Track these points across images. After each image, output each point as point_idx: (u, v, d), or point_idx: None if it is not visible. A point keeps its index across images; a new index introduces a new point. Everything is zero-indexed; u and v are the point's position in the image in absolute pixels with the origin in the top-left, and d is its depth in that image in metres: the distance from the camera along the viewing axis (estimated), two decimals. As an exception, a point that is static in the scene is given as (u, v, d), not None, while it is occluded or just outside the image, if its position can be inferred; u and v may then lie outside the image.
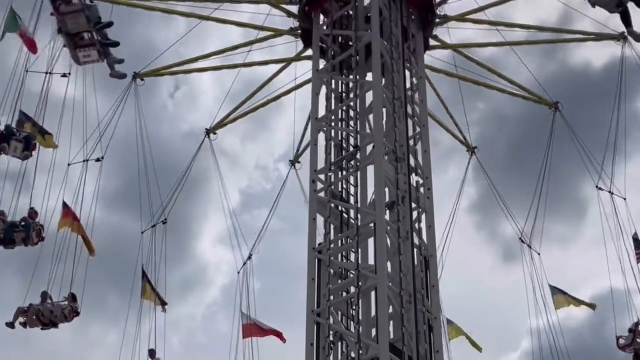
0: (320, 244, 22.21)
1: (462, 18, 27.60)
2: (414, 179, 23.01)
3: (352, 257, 21.86)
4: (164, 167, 30.16)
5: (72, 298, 25.37)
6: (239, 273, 28.70)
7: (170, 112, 49.00)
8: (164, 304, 27.31)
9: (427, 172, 23.56)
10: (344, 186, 23.15)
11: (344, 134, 23.81)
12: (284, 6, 27.13)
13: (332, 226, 22.56)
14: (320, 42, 25.63)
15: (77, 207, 26.63)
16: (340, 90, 24.62)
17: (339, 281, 21.99)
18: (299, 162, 30.56)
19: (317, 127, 23.92)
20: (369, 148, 23.01)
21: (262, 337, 27.78)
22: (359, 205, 22.28)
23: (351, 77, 24.52)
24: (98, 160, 27.63)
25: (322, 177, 23.10)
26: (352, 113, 24.02)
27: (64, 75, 26.03)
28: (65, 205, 26.61)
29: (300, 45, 27.61)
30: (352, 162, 23.02)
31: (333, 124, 23.98)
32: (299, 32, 27.11)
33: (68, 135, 26.67)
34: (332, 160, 23.28)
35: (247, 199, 51.78)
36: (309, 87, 26.19)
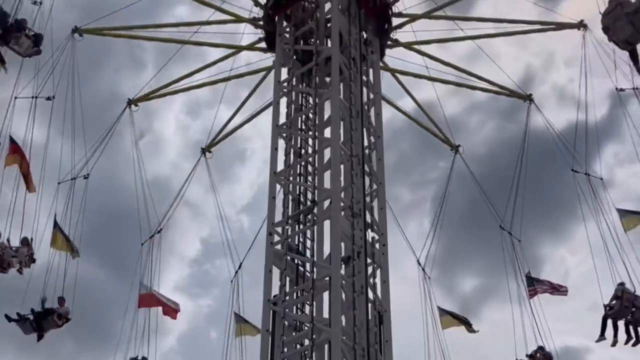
0: (275, 296, 22.39)
1: (408, 46, 28.86)
2: (370, 234, 23.36)
3: (307, 309, 22.05)
4: (94, 127, 29.64)
5: (27, 242, 25.16)
6: (142, 244, 28.80)
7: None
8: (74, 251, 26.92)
9: (383, 228, 23.93)
10: (301, 239, 23.48)
11: (302, 188, 24.20)
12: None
13: (288, 278, 22.80)
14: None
15: (26, 147, 26.09)
16: (299, 145, 25.04)
17: (293, 333, 22.24)
18: (210, 152, 30.83)
19: (275, 180, 24.22)
20: (326, 203, 23.34)
21: (156, 306, 28.02)
22: (315, 259, 22.60)
23: (310, 132, 24.98)
24: (48, 98, 26.75)
25: (279, 229, 23.41)
26: (310, 168, 24.43)
27: None
28: (12, 140, 25.83)
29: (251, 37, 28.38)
30: (309, 216, 23.37)
31: (291, 178, 24.36)
32: (260, 22, 27.61)
33: (16, 65, 25.82)
34: (290, 213, 23.66)
35: (208, 248, 51.81)
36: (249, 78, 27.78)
